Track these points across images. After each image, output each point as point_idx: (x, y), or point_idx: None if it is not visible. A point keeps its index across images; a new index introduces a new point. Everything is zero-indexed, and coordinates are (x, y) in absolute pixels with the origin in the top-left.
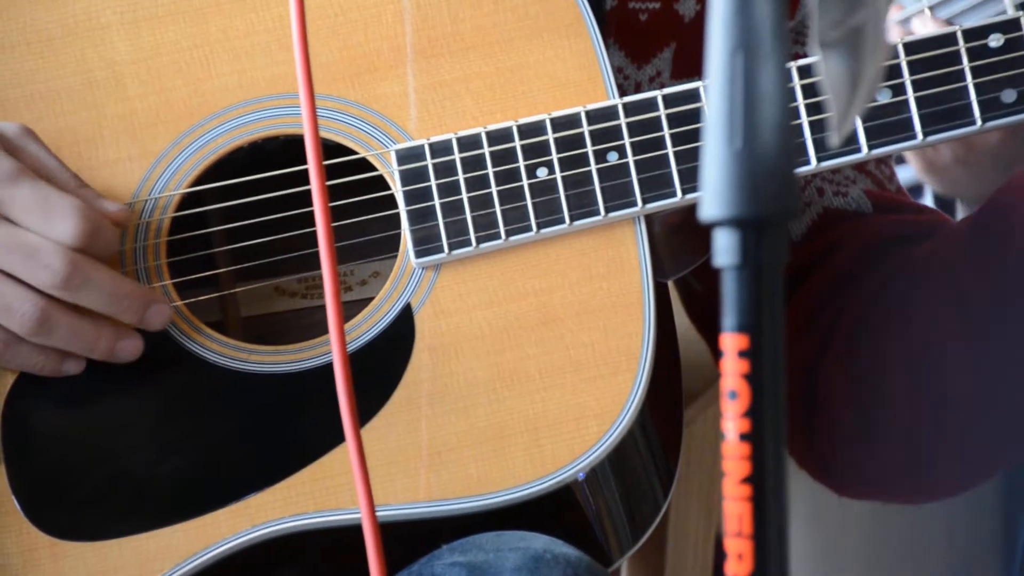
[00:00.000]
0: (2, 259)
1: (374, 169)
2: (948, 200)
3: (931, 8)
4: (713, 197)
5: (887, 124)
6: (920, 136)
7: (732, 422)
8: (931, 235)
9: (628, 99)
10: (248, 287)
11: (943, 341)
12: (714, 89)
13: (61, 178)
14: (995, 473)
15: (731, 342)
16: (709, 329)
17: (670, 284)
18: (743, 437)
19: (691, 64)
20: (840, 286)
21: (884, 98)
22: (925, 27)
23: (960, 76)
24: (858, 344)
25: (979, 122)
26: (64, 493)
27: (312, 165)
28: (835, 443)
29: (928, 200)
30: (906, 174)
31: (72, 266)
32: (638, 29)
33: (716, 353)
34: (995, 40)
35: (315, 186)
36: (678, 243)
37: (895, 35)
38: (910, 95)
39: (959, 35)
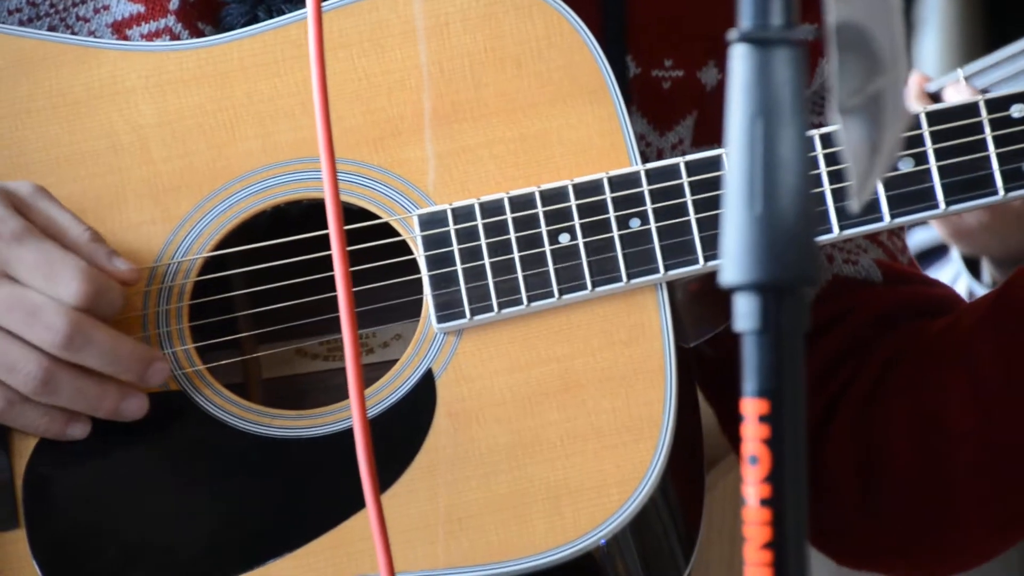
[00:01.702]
0: (5, 318)
1: (397, 234)
2: (975, 259)
3: (966, 77)
4: (733, 262)
5: (909, 193)
6: (943, 206)
7: (752, 487)
8: (942, 309)
9: (651, 166)
10: (270, 350)
11: (955, 416)
12: (734, 155)
13: (72, 234)
14: (1001, 552)
15: (751, 407)
16: (717, 395)
17: None
18: (764, 503)
19: (713, 132)
20: (850, 354)
21: (906, 167)
22: (959, 95)
23: (982, 146)
24: (867, 412)
25: (1002, 192)
26: (85, 558)
27: (333, 230)
28: (837, 511)
29: (954, 258)
30: (929, 234)
31: (73, 326)
32: (661, 97)
33: (724, 420)
34: (1018, 111)
35: (336, 251)
36: (700, 309)
37: (918, 104)
38: (932, 164)
39: (981, 105)
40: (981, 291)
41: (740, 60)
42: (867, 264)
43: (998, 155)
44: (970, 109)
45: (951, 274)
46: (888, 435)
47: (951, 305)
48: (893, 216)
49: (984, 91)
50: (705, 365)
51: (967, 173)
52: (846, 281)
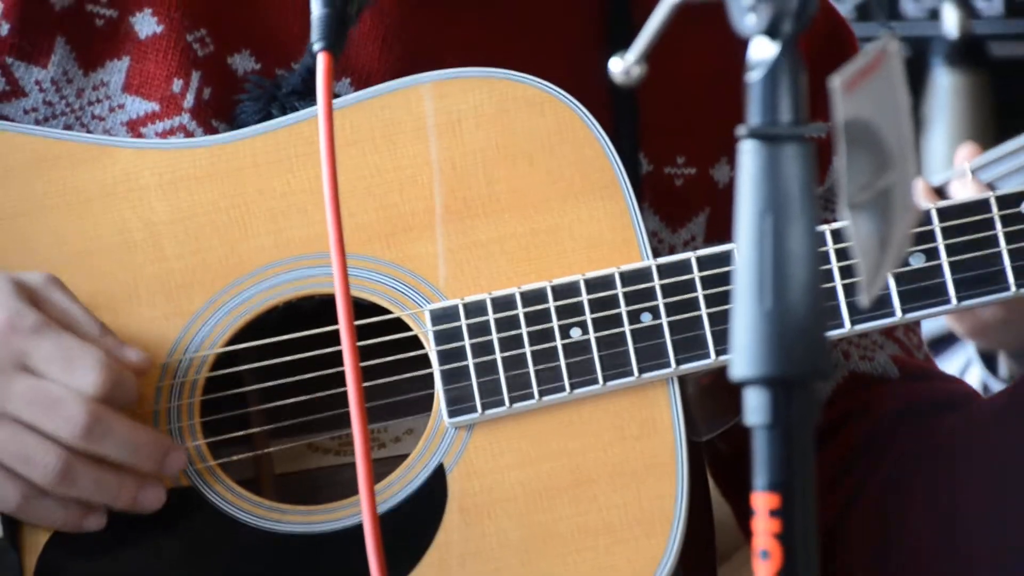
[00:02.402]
0: (24, 410)
1: (409, 328)
2: (992, 353)
3: (973, 172)
4: (743, 356)
5: (921, 288)
6: (954, 301)
7: None
8: (958, 405)
9: (662, 260)
10: (282, 446)
11: (972, 511)
12: (743, 250)
13: (84, 327)
14: None
15: (762, 501)
16: (733, 491)
17: None
18: None
19: (726, 229)
20: (866, 450)
21: (918, 263)
22: (965, 189)
23: (994, 242)
24: (883, 509)
25: (1013, 288)
26: None
27: (343, 327)
28: None
29: (968, 348)
30: (938, 322)
31: (93, 417)
32: (673, 194)
33: (740, 515)
34: None
35: (346, 347)
36: (712, 404)
37: (928, 201)
38: (944, 260)
39: (992, 202)
40: (996, 384)
41: (749, 155)
42: (883, 360)
43: (1009, 251)
44: (981, 205)
45: (962, 362)
46: (904, 532)
47: (968, 401)
48: (905, 312)
49: (991, 185)
50: (719, 459)
51: (979, 269)
52: (862, 377)
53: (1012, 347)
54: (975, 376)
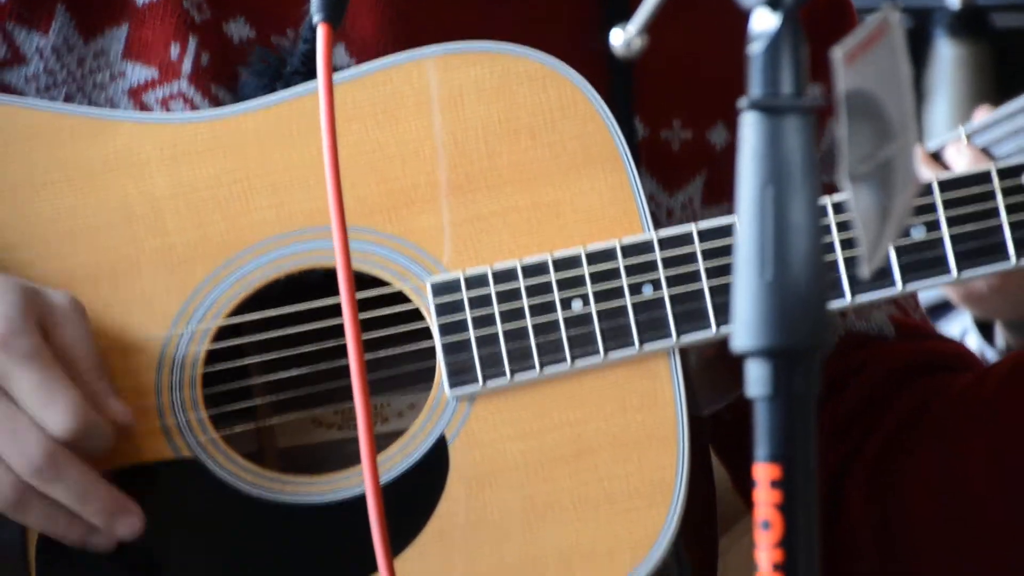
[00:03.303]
0: None
1: (410, 301)
2: (988, 322)
3: (968, 136)
4: (744, 328)
5: (922, 260)
6: (955, 273)
7: (765, 552)
8: (956, 365)
9: (664, 233)
10: (285, 419)
11: (978, 480)
12: (745, 222)
13: (83, 365)
14: None
15: (764, 472)
16: (732, 458)
17: None
18: (776, 567)
19: (722, 192)
20: (864, 410)
21: (919, 234)
22: (960, 155)
23: (995, 214)
24: (884, 471)
25: (1014, 260)
26: None
27: (344, 298)
28: (854, 569)
29: (966, 320)
30: (935, 290)
31: (47, 459)
32: (670, 158)
33: (738, 482)
34: None
35: (347, 319)
36: (713, 376)
37: (925, 166)
38: (945, 232)
39: (993, 173)
40: (992, 354)
41: (750, 127)
42: (880, 320)
43: (1010, 223)
44: (982, 176)
45: (958, 331)
46: (907, 496)
47: (965, 361)
48: (906, 283)
49: (986, 150)
50: (720, 428)
51: (979, 240)
52: (859, 337)
53: (1006, 316)
54: (972, 345)
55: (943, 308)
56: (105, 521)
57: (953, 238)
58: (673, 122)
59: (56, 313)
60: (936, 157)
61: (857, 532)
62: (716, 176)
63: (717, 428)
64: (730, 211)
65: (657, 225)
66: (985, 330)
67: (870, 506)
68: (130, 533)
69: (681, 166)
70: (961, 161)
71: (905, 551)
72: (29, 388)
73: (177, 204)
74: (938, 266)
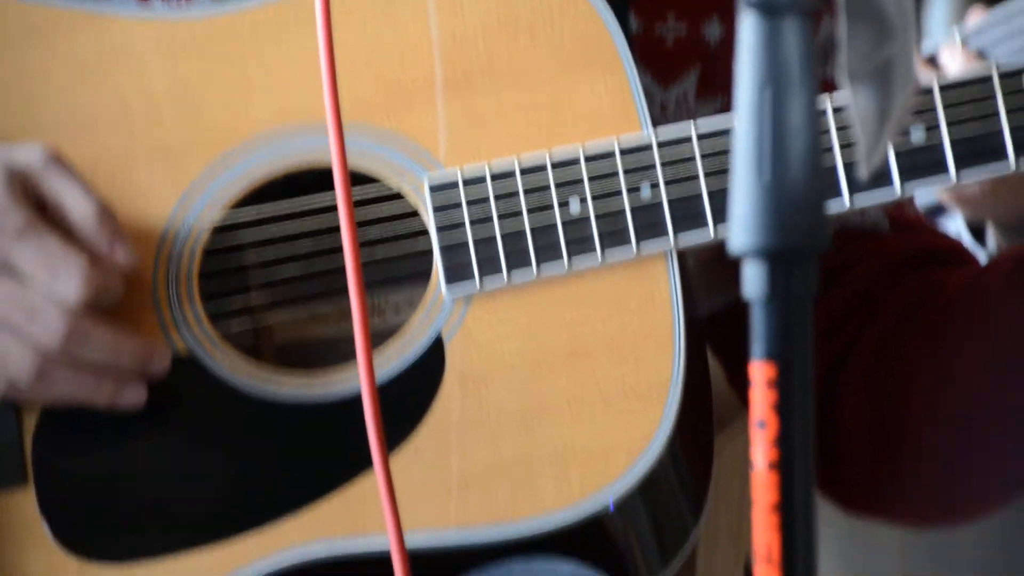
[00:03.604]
0: (5, 312)
1: (407, 199)
2: (979, 224)
3: (963, 39)
4: (741, 229)
5: (921, 163)
6: (954, 175)
7: (761, 451)
8: (951, 259)
9: (662, 133)
10: (282, 315)
11: (972, 376)
12: (743, 123)
13: (78, 214)
14: (1010, 503)
15: (759, 372)
16: (727, 356)
17: None
18: (771, 466)
19: (717, 86)
20: (859, 304)
21: (918, 136)
22: (954, 59)
23: (995, 116)
24: (880, 364)
25: (1013, 162)
26: (93, 516)
27: (340, 195)
28: (849, 461)
29: (958, 223)
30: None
31: (71, 327)
32: (664, 52)
33: (734, 380)
34: None
35: (343, 214)
36: (711, 277)
37: (928, 75)
38: (944, 135)
39: (995, 75)
40: (983, 257)
41: (749, 28)
42: (874, 213)
43: (1010, 125)
44: (982, 79)
45: (951, 231)
46: (902, 390)
47: (960, 254)
48: (904, 185)
49: (981, 52)
50: (717, 327)
51: (979, 143)
52: (852, 230)
53: (999, 218)
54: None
55: (934, 213)
56: (142, 364)
57: (953, 141)
58: (667, 15)
59: (36, 171)
60: (932, 61)
61: (851, 429)
62: (710, 70)
63: (714, 327)
64: (724, 106)
65: (652, 120)
66: (976, 233)
67: (866, 399)
68: (164, 368)
69: (675, 60)
70: (955, 65)
71: (898, 443)
72: (33, 264)
73: (174, 99)
74: (937, 168)
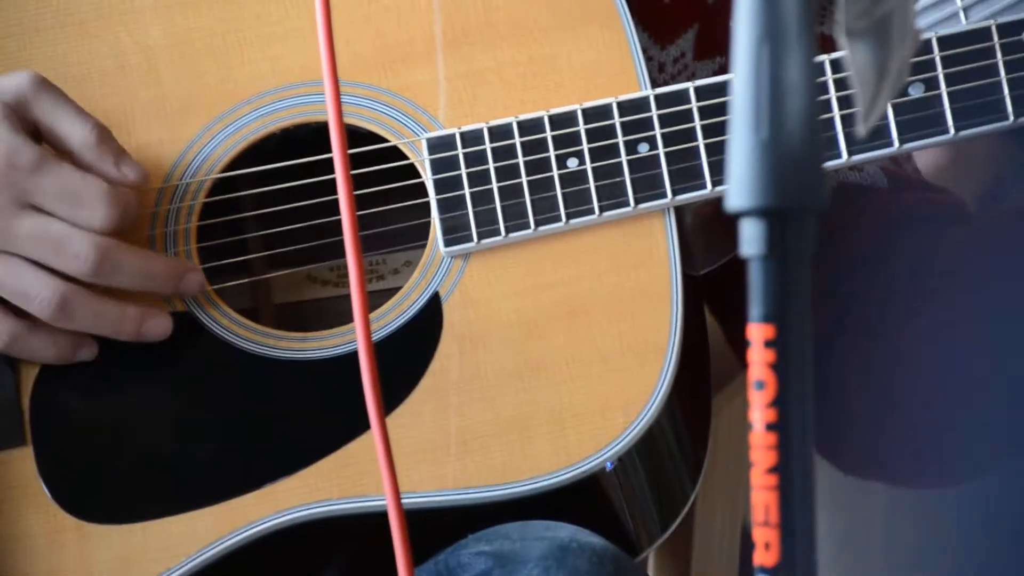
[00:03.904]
0: (32, 250)
1: (405, 157)
2: None
3: (965, 10)
4: (739, 187)
5: (919, 118)
6: (952, 131)
7: (759, 412)
8: (950, 216)
9: (660, 91)
10: (280, 274)
11: (968, 328)
12: (740, 80)
13: (77, 138)
14: (1000, 464)
15: (757, 332)
16: (725, 316)
17: None
18: (769, 427)
19: (715, 44)
20: (859, 262)
21: (917, 92)
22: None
23: (994, 72)
24: (879, 320)
25: (1012, 117)
26: (91, 476)
27: (337, 153)
28: (847, 422)
29: None
30: None
31: (103, 253)
32: (662, 11)
33: (732, 340)
34: None
35: (339, 174)
36: (708, 236)
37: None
38: (943, 90)
39: (993, 30)
40: None
41: None
42: (873, 171)
43: (1009, 81)
44: (982, 34)
45: None
46: (900, 345)
47: (959, 211)
48: (902, 141)
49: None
50: (715, 286)
51: (978, 98)
52: (851, 188)
53: (962, 189)
54: None
55: None
56: (174, 286)
57: (951, 96)
58: None
59: (28, 98)
60: None
61: (848, 387)
62: (708, 29)
63: (712, 286)
64: (723, 65)
65: (650, 80)
66: None
67: (863, 362)
68: (198, 288)
69: (673, 19)
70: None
71: (895, 407)
72: (54, 195)
73: (171, 54)
74: (936, 124)
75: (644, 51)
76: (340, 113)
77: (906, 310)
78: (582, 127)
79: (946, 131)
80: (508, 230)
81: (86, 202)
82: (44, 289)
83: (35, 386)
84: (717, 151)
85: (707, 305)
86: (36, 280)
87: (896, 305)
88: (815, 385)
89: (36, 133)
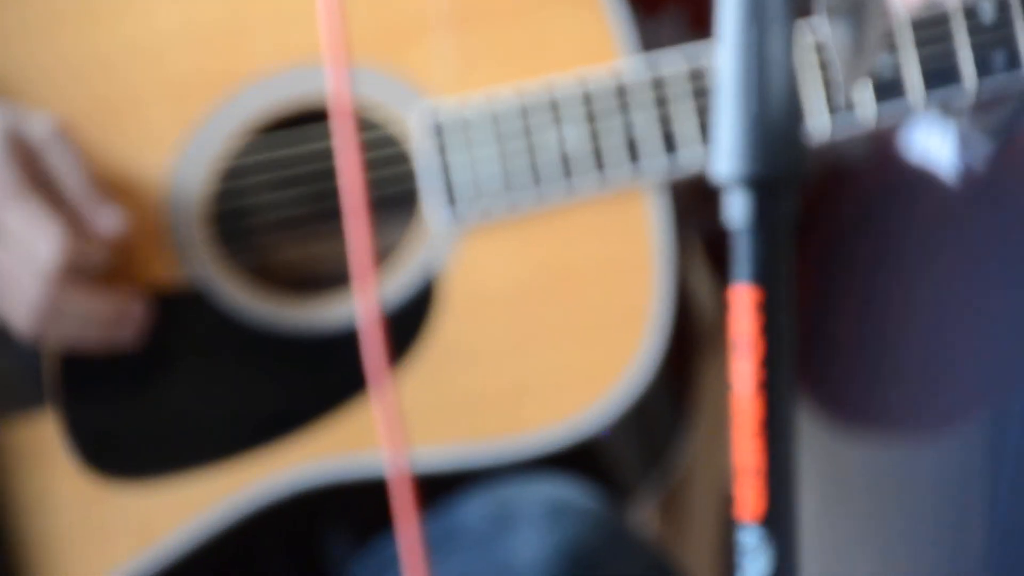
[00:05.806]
0: None
1: (401, 129)
2: None
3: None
4: (724, 158)
5: (888, 83)
6: (922, 101)
7: (743, 373)
8: (928, 189)
9: (648, 64)
10: (285, 247)
11: (955, 293)
12: (726, 53)
13: (67, 182)
14: (989, 406)
15: (743, 296)
16: (724, 271)
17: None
18: (757, 388)
19: (700, 18)
20: (850, 230)
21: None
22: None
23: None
24: (870, 286)
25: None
26: (113, 433)
27: (341, 128)
28: (840, 376)
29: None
30: None
31: (44, 293)
32: None
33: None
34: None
35: (343, 148)
36: (698, 203)
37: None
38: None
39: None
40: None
41: None
42: (855, 144)
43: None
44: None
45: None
46: (890, 311)
47: (935, 184)
48: (881, 112)
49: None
50: (717, 248)
51: (941, 64)
52: (834, 164)
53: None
54: None
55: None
56: (112, 330)
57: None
58: None
59: (37, 144)
60: None
61: (843, 341)
62: (694, 6)
63: (711, 240)
64: (707, 37)
65: (637, 53)
66: None
67: (858, 315)
68: (139, 325)
69: None
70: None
71: (891, 359)
72: (13, 229)
73: (179, 37)
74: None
75: (629, 23)
76: (345, 89)
77: (901, 276)
78: (573, 99)
79: (916, 101)
80: (502, 202)
81: (40, 240)
82: (15, 312)
83: (55, 352)
84: (704, 122)
85: (713, 266)
86: (6, 303)
87: (892, 271)
88: (811, 339)
89: (36, 176)
